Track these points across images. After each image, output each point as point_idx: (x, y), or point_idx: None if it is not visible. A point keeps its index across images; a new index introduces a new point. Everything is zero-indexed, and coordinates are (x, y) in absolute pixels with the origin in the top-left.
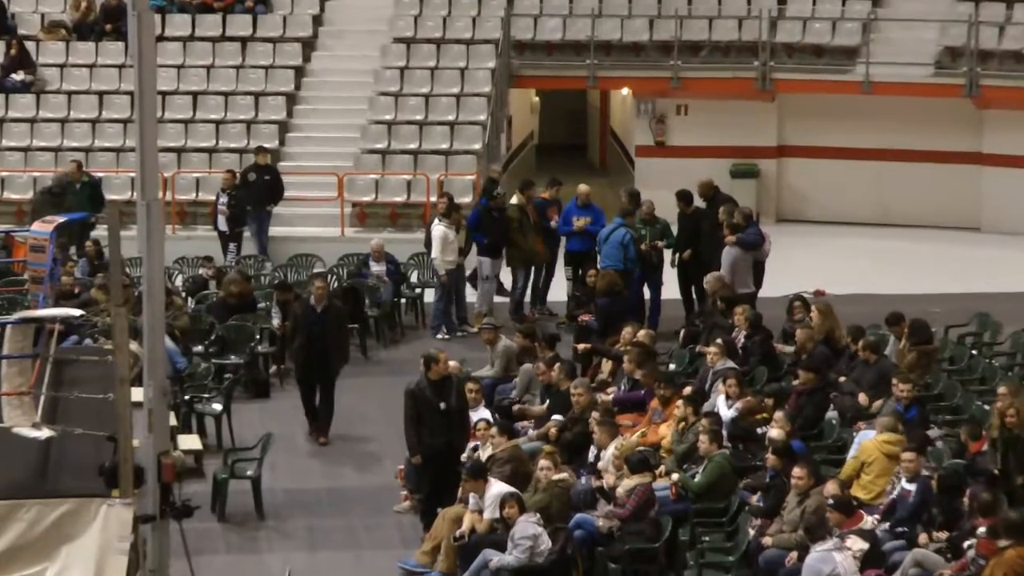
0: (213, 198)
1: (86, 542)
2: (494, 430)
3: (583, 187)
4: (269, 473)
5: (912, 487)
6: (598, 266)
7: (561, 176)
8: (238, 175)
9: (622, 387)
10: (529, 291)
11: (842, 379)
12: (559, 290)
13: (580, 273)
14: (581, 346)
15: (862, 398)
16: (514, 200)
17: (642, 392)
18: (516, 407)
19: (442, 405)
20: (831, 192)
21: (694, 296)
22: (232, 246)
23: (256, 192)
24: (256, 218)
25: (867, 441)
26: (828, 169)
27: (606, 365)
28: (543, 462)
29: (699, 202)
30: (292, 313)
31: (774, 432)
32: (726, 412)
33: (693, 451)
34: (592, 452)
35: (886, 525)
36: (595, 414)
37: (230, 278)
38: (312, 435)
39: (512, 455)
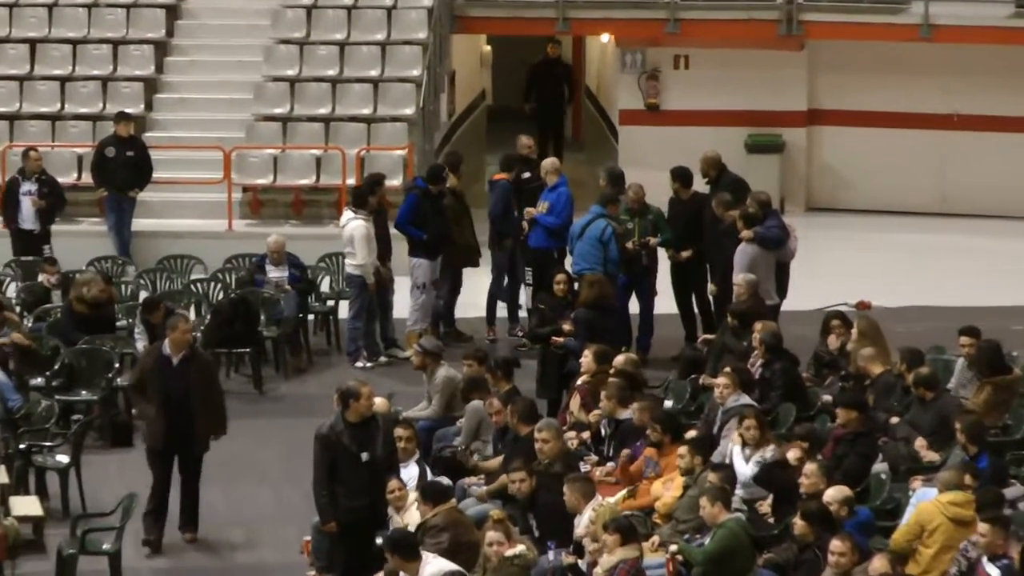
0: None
1: None
2: (415, 496)
3: (548, 161)
4: (132, 547)
5: (995, 570)
6: (571, 269)
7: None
8: (98, 150)
9: (603, 429)
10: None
11: (894, 420)
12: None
13: (543, 278)
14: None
15: (919, 444)
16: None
17: (637, 444)
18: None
19: (364, 456)
20: (878, 172)
21: (696, 309)
22: (47, 248)
23: (115, 173)
24: (115, 207)
25: (926, 503)
26: (874, 141)
27: (575, 401)
28: (491, 534)
29: (700, 184)
30: (139, 366)
31: (832, 492)
32: (743, 465)
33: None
34: (532, 520)
35: None
36: (515, 476)
37: (84, 278)
38: (148, 539)
39: (450, 520)
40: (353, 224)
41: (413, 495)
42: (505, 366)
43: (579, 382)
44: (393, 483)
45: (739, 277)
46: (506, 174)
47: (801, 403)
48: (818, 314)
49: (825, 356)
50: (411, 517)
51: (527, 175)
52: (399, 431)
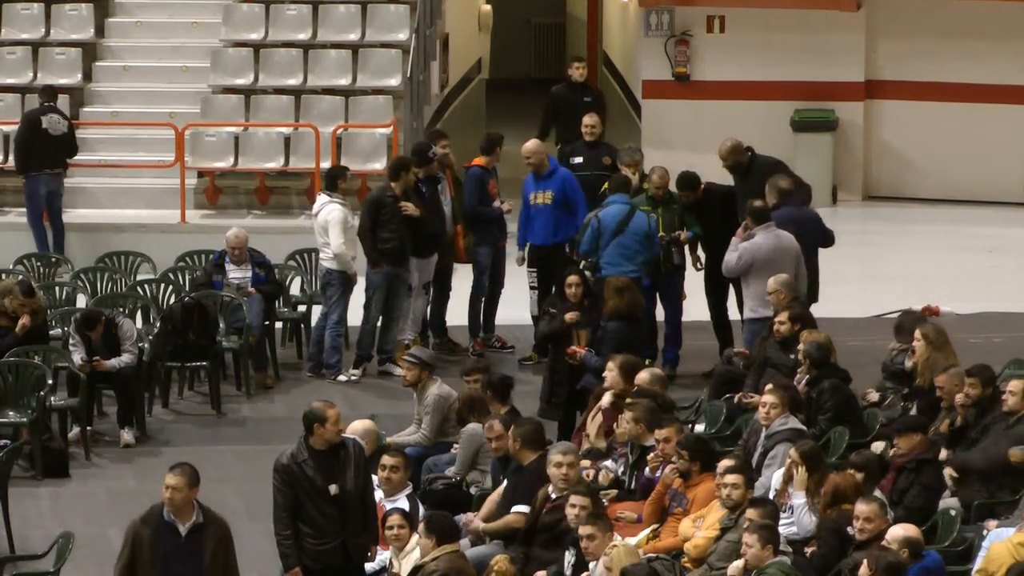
0: None
1: None
2: (420, 528)
3: (529, 144)
4: None
5: None
6: (597, 270)
7: (526, 128)
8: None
9: (624, 458)
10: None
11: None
12: (517, 309)
13: (549, 279)
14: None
15: (947, 473)
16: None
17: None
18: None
19: (332, 489)
20: (950, 154)
21: (727, 315)
22: None
23: (46, 151)
24: (43, 192)
25: (999, 543)
26: (945, 119)
27: (592, 425)
28: None
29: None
30: (130, 539)
31: (893, 532)
32: (808, 520)
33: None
34: None
35: None
36: (577, 501)
37: (3, 287)
38: None
39: (451, 567)
40: (328, 208)
41: (414, 538)
42: (500, 386)
43: (605, 401)
44: (395, 518)
45: (771, 281)
46: (484, 159)
47: (855, 426)
48: (876, 322)
49: (889, 366)
50: (410, 563)
51: (578, 160)
52: (386, 459)
